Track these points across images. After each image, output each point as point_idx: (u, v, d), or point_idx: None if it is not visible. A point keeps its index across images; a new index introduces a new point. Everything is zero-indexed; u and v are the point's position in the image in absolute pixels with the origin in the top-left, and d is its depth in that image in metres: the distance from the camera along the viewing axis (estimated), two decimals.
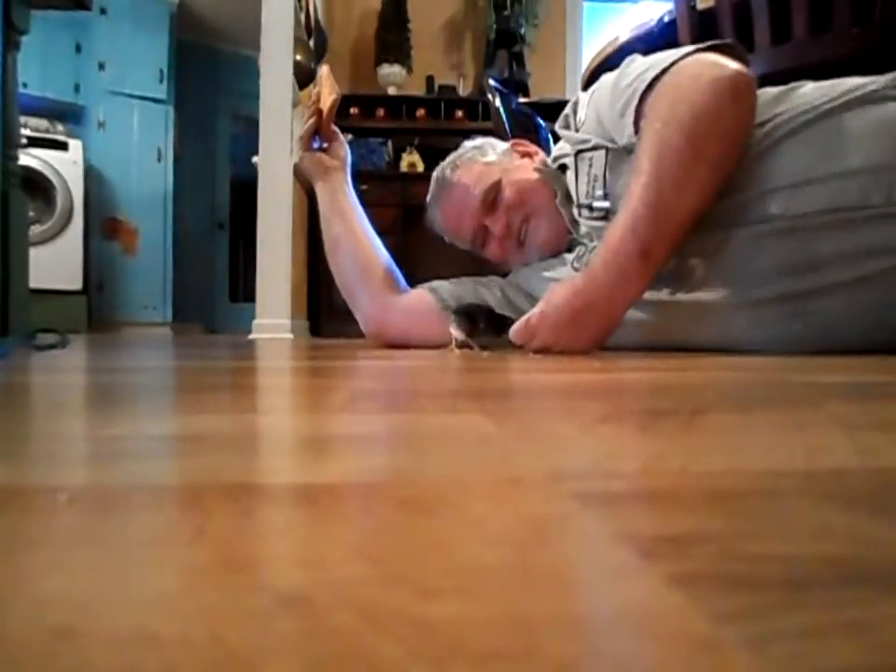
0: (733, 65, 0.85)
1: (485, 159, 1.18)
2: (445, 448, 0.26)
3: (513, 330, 0.87)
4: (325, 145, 1.20)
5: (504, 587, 0.12)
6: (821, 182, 0.83)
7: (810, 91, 0.89)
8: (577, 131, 1.07)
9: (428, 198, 1.25)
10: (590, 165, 1.03)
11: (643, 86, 0.90)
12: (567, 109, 1.12)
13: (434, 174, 1.25)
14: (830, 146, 0.84)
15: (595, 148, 1.02)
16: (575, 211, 1.07)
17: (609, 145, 0.99)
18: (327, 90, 1.17)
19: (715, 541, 0.14)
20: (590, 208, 1.03)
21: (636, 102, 0.91)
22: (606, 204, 1.00)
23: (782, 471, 0.21)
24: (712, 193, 0.85)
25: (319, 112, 1.16)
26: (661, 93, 0.87)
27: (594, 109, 1.03)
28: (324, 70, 1.20)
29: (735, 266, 0.88)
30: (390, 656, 0.09)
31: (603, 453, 0.24)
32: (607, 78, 1.01)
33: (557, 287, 0.88)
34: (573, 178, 1.07)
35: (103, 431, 0.30)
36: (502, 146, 1.24)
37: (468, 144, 1.25)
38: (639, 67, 0.94)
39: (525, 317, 0.87)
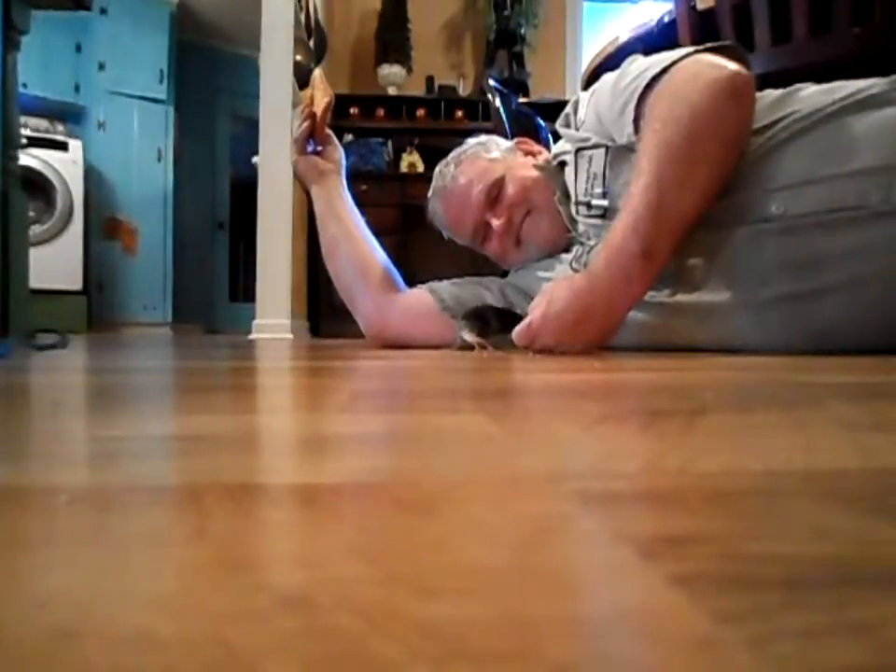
0: (731, 66, 0.85)
1: (489, 155, 1.18)
2: (445, 448, 0.26)
3: (516, 333, 0.88)
4: (319, 148, 1.20)
5: (504, 587, 0.12)
6: (821, 182, 0.83)
7: (812, 95, 0.89)
8: (577, 129, 1.07)
9: (430, 191, 1.25)
10: (590, 163, 1.03)
11: (642, 85, 0.90)
12: (568, 108, 1.12)
13: (437, 168, 1.25)
14: (831, 148, 0.84)
15: (595, 147, 1.02)
16: (573, 209, 1.07)
17: (610, 143, 1.00)
18: (320, 93, 1.16)
19: (715, 541, 0.14)
20: (588, 206, 1.03)
21: (634, 101, 0.91)
22: (604, 202, 1.01)
23: (782, 471, 0.21)
24: (713, 193, 0.85)
25: (313, 115, 1.16)
26: (660, 94, 0.87)
27: (594, 108, 1.03)
28: (317, 73, 1.20)
29: (735, 266, 0.88)
30: (390, 656, 0.09)
31: (603, 453, 0.24)
32: (607, 78, 1.01)
33: (554, 285, 0.88)
34: (572, 176, 1.07)
35: (103, 431, 0.30)
36: (506, 143, 1.25)
37: (471, 140, 1.25)
38: (639, 67, 0.94)
39: (526, 320, 0.87)
